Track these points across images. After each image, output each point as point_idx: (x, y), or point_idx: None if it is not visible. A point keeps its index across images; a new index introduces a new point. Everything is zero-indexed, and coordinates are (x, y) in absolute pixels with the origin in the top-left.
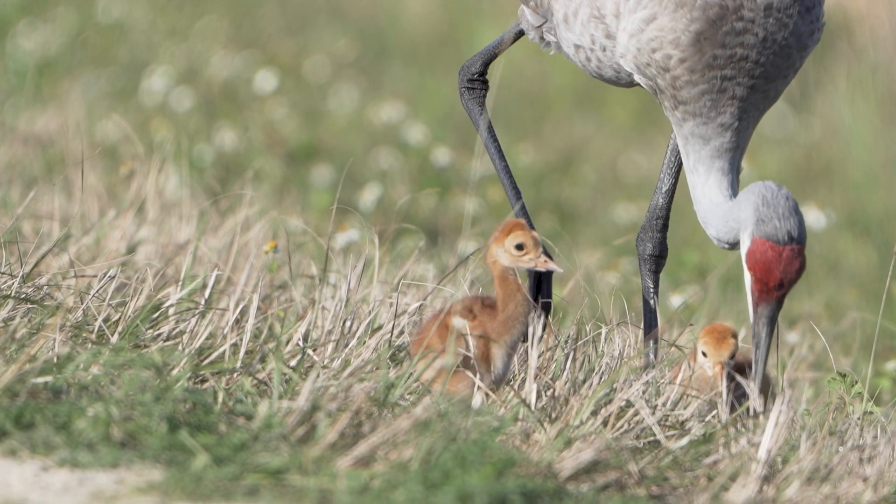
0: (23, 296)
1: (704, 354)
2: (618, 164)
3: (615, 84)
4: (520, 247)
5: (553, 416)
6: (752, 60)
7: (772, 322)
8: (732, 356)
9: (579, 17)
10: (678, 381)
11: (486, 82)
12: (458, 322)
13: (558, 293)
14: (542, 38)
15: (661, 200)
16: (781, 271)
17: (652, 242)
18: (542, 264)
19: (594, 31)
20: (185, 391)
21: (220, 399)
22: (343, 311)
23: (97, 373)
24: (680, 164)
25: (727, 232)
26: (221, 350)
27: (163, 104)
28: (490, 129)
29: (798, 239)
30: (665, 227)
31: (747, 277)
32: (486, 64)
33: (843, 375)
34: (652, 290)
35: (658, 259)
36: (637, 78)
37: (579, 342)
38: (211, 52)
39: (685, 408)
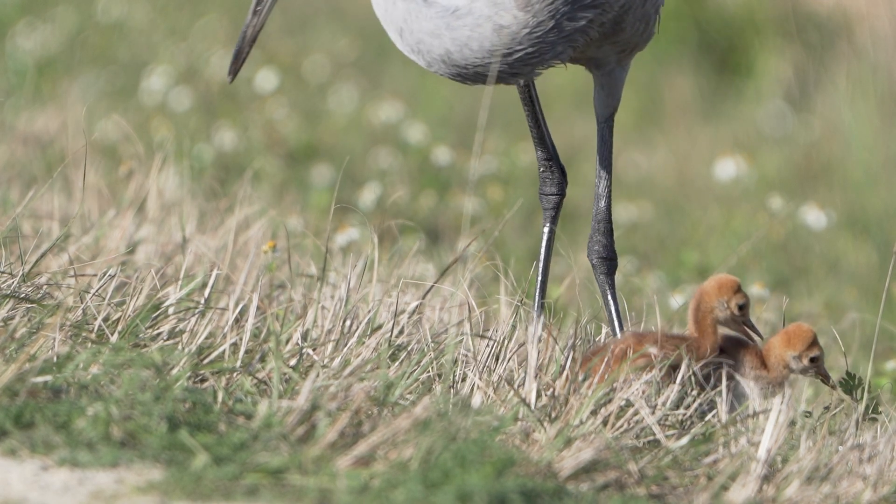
0: (22, 295)
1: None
2: (618, 164)
3: None
4: (742, 308)
5: (553, 415)
6: None
7: None
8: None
9: None
10: (678, 380)
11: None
12: None
13: (557, 292)
14: None
15: (601, 204)
16: None
17: (599, 246)
18: None
19: None
20: (185, 391)
21: (219, 398)
22: (343, 310)
23: (97, 372)
24: (611, 164)
25: None
26: (221, 349)
27: (162, 104)
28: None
29: None
30: (610, 231)
31: None
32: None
33: (851, 375)
34: (609, 294)
35: (609, 262)
36: None
37: (579, 342)
38: (210, 52)
39: (685, 407)
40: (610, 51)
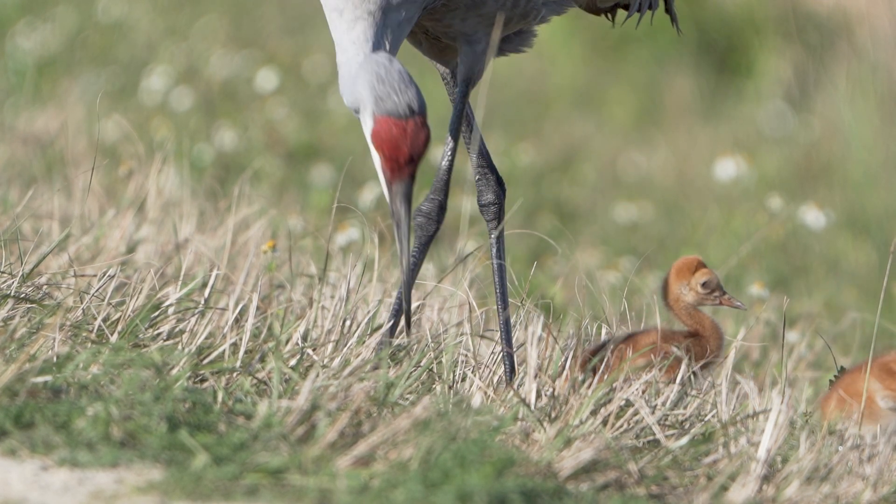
0: (22, 295)
1: None
2: (617, 164)
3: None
4: (706, 285)
5: (553, 415)
6: None
7: (408, 199)
8: None
9: None
10: (678, 381)
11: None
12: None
13: (557, 293)
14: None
15: (443, 164)
16: (409, 146)
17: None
18: (727, 301)
19: None
20: (185, 391)
21: (219, 398)
22: (343, 310)
23: (97, 372)
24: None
25: (350, 98)
26: (221, 349)
27: (162, 104)
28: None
29: (419, 110)
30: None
31: (376, 158)
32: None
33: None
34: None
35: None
36: None
37: (579, 342)
38: (210, 52)
39: (685, 407)
40: (478, 23)
